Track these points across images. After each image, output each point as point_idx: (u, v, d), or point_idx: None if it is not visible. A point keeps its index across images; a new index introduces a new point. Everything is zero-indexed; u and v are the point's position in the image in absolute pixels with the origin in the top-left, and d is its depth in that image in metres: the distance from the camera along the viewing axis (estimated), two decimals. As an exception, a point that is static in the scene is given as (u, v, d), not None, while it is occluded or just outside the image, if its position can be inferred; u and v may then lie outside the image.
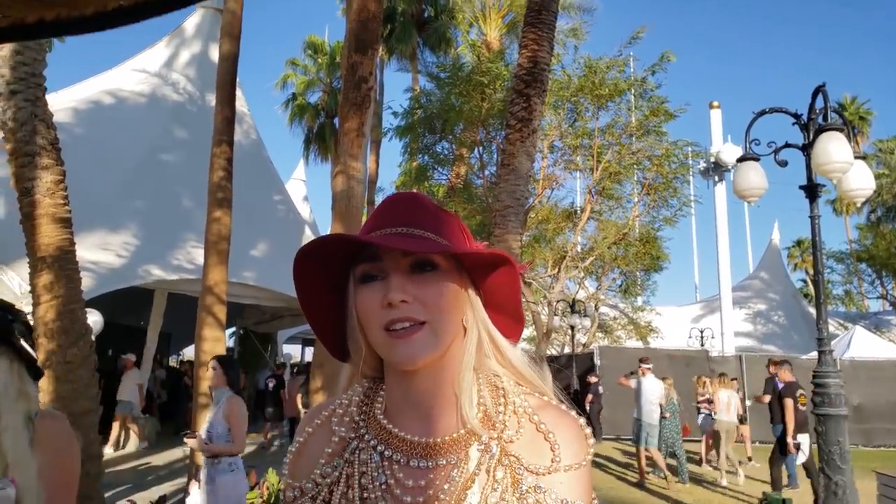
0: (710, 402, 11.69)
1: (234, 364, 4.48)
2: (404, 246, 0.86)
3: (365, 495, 0.89)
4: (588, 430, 0.91)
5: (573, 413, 0.92)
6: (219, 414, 4.26)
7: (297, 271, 0.93)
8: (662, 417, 10.33)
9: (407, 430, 0.91)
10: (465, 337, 0.92)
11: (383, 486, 0.89)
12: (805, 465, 8.88)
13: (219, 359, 4.39)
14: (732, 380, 12.48)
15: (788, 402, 8.61)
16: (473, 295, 0.93)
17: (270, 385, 13.86)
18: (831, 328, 23.28)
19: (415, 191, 1.05)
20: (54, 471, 1.44)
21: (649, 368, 10.52)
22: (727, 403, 10.79)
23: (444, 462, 0.88)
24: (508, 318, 0.97)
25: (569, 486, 0.86)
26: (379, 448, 0.92)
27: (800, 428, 8.65)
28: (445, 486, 0.86)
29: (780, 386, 9.05)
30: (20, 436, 1.39)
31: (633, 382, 10.82)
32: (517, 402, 0.92)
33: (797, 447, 8.64)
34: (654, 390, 10.29)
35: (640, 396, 10.29)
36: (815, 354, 6.00)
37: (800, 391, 8.68)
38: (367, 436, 0.94)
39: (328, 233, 0.92)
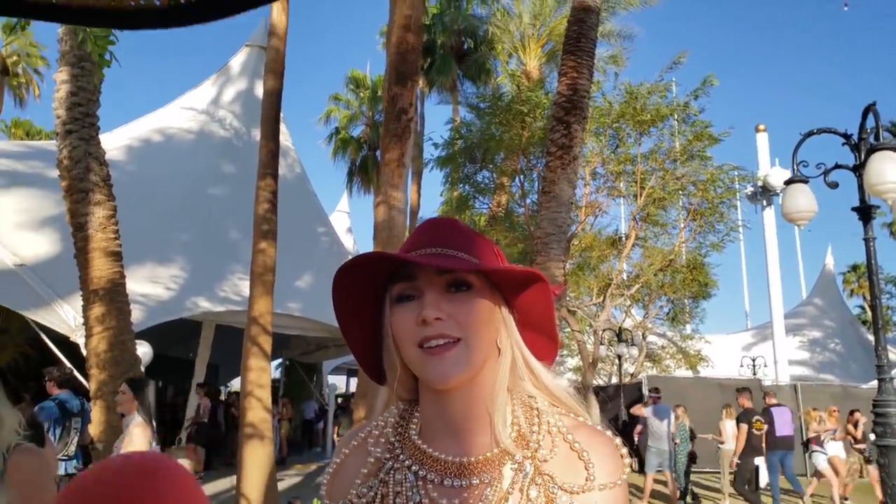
0: (820, 439, 10.64)
1: (145, 385, 4.04)
2: (439, 263, 0.88)
3: None
4: (624, 451, 0.91)
5: (608, 433, 0.93)
6: (120, 442, 3.87)
7: (337, 290, 0.95)
8: (675, 444, 10.81)
9: (441, 450, 0.92)
10: (499, 357, 0.93)
11: None
12: (739, 485, 9.74)
13: (128, 381, 3.98)
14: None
15: (742, 427, 9.75)
16: (507, 315, 0.95)
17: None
18: (892, 356, 22.49)
19: (448, 217, 1.06)
20: None
21: (658, 397, 11.31)
22: (733, 434, 10.88)
23: (478, 481, 0.89)
24: (543, 337, 0.98)
25: None
26: (413, 468, 0.92)
27: (756, 452, 9.59)
28: None
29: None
30: None
31: (646, 411, 11.36)
32: (551, 421, 0.92)
33: (756, 469, 9.59)
34: (662, 418, 10.91)
35: (650, 424, 10.88)
36: (875, 383, 5.76)
37: (755, 417, 9.70)
38: (401, 456, 0.94)
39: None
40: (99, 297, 4.54)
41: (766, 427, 10.29)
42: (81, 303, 4.68)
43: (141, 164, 13.05)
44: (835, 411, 10.84)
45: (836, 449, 10.27)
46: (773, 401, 11.13)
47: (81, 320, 4.95)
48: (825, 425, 10.67)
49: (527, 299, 0.94)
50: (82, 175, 4.45)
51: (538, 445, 0.90)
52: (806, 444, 10.88)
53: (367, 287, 0.94)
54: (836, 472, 10.15)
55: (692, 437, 11.34)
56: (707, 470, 13.51)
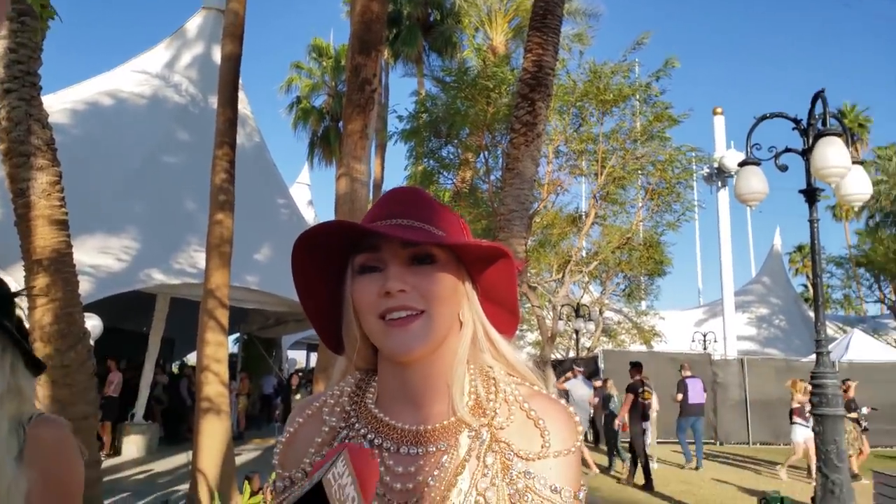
0: (804, 410, 10.48)
1: None
2: (405, 235, 0.87)
3: None
4: (577, 419, 0.92)
5: (562, 402, 0.94)
6: None
7: (297, 258, 0.94)
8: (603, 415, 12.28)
9: (398, 419, 0.92)
10: (460, 330, 0.93)
11: None
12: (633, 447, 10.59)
13: None
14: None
15: (629, 396, 10.76)
16: (471, 289, 0.94)
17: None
18: (830, 332, 23.36)
19: (415, 187, 1.02)
20: (49, 491, 1.16)
21: (581, 371, 12.63)
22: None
23: (435, 449, 0.89)
24: (505, 311, 0.98)
25: (558, 472, 0.87)
26: (369, 436, 0.92)
27: (646, 417, 10.55)
28: (436, 472, 0.87)
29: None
30: (2, 447, 1.12)
31: (569, 384, 12.57)
32: (507, 390, 0.93)
33: (644, 431, 10.39)
34: (580, 392, 12.26)
35: (570, 398, 11.67)
36: (814, 357, 6.05)
37: (643, 388, 10.70)
38: (357, 425, 0.94)
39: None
40: (43, 267, 4.34)
41: (680, 395, 12.22)
42: (23, 273, 4.47)
43: (90, 128, 12.57)
44: (802, 384, 10.72)
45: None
46: (688, 373, 12.82)
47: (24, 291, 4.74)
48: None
49: (491, 274, 0.94)
50: (23, 138, 4.23)
51: (495, 413, 0.90)
52: (790, 415, 11.05)
53: (328, 256, 0.93)
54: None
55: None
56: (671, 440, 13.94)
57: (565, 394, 12.13)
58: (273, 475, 0.97)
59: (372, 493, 0.79)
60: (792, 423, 10.95)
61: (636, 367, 11.13)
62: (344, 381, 0.99)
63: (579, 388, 12.64)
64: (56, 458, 1.21)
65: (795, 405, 10.93)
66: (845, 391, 11.22)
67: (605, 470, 11.70)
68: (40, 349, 4.29)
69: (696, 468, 12.07)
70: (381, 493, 0.87)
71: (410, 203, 0.94)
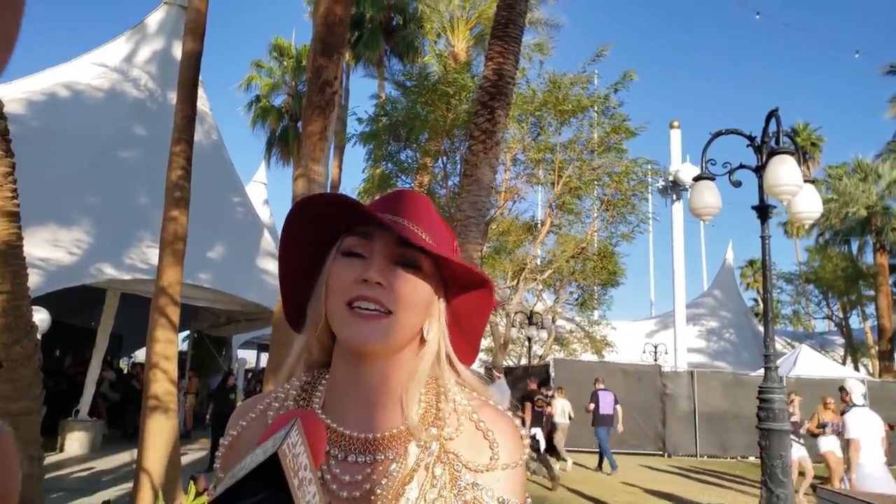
0: (798, 428, 9.94)
1: None
2: (408, 234, 0.87)
3: None
4: (524, 432, 0.93)
5: (509, 414, 0.94)
6: None
7: (289, 221, 0.93)
8: None
9: (346, 426, 0.90)
10: (422, 345, 0.93)
11: (319, 482, 0.87)
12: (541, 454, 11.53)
13: None
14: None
15: (527, 405, 11.80)
16: (442, 308, 0.94)
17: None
18: (779, 346, 24.04)
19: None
20: None
21: (500, 377, 12.53)
22: (562, 409, 13.24)
23: (383, 457, 0.88)
24: (466, 343, 0.99)
25: (505, 484, 0.88)
26: None
27: (536, 423, 11.70)
28: (383, 482, 0.86)
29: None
30: None
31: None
32: (457, 400, 0.93)
33: (533, 437, 11.22)
34: (496, 399, 13.60)
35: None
36: (762, 371, 6.16)
37: (537, 397, 11.97)
38: None
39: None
40: (-8, 259, 4.28)
41: (592, 406, 13.32)
42: (-27, 264, 4.39)
43: (45, 120, 12.29)
44: (829, 403, 10.00)
45: (830, 444, 9.48)
46: (601, 385, 13.79)
47: (-28, 283, 4.65)
48: (820, 416, 9.89)
49: (467, 301, 0.95)
50: (-23, 128, 4.17)
51: (444, 424, 0.90)
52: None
53: (320, 228, 0.92)
54: (829, 469, 9.54)
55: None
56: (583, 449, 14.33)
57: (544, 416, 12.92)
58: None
59: (321, 458, 0.79)
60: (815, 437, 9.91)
61: (531, 377, 12.99)
62: (289, 384, 0.97)
63: (495, 393, 13.25)
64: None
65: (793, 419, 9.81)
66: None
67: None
68: (-14, 341, 4.22)
69: (598, 470, 13.08)
70: (327, 502, 0.86)
71: (415, 208, 0.94)
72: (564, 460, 12.99)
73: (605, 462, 12.99)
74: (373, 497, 0.85)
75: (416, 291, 0.88)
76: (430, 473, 0.87)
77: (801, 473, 10.29)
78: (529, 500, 0.91)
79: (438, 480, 0.87)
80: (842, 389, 8.22)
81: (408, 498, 0.85)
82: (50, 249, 10.24)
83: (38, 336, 4.85)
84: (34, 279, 5.23)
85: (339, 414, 0.92)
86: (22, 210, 4.57)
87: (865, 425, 7.35)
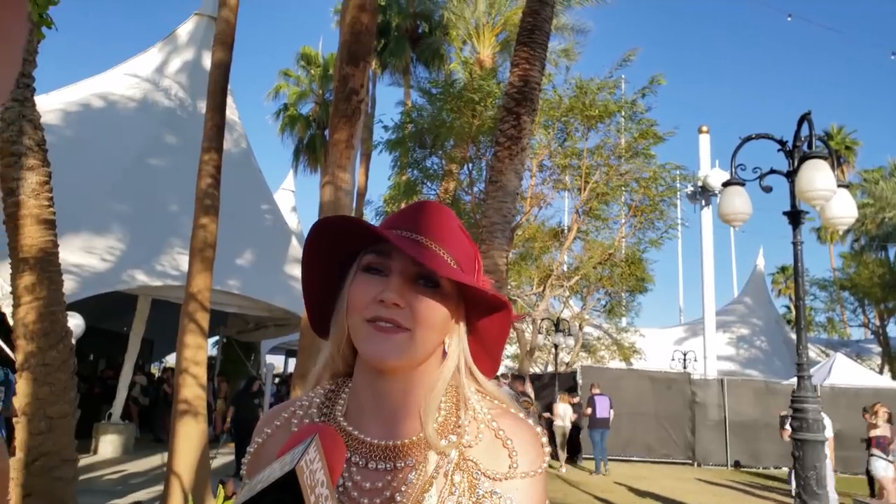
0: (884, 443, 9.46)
1: None
2: (418, 256, 0.87)
3: None
4: (545, 440, 0.93)
5: (530, 422, 0.94)
6: None
7: (309, 239, 0.95)
8: None
9: (367, 434, 0.92)
10: (443, 361, 0.93)
11: (340, 489, 0.89)
12: None
13: None
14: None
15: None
16: (462, 325, 0.95)
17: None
18: (813, 355, 23.59)
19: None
20: None
21: (506, 382, 12.92)
22: (563, 414, 14.15)
23: (403, 465, 0.89)
24: (487, 357, 0.99)
25: (524, 493, 0.88)
26: None
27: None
28: (402, 489, 0.87)
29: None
30: None
31: None
32: (477, 408, 0.93)
33: None
34: None
35: None
36: (795, 380, 6.04)
37: (524, 398, 11.29)
38: None
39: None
40: (29, 265, 4.38)
41: (589, 410, 14.10)
42: (10, 271, 4.51)
43: (79, 129, 12.57)
44: (884, 412, 9.74)
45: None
46: (597, 391, 14.49)
47: (9, 289, 4.77)
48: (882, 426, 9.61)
49: (487, 321, 0.95)
50: (15, 138, 4.28)
51: (464, 432, 0.91)
52: (867, 445, 9.97)
53: (342, 243, 0.94)
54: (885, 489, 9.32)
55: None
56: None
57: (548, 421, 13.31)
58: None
59: (339, 474, 0.82)
60: (872, 455, 9.71)
61: (517, 379, 12.98)
62: (313, 392, 1.00)
63: None
64: None
65: (873, 434, 9.70)
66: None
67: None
68: (23, 346, 4.33)
69: (596, 472, 13.63)
70: None
71: (437, 224, 0.94)
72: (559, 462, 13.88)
73: (603, 463, 13.70)
74: None
75: (433, 310, 0.89)
76: (449, 481, 0.88)
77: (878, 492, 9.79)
78: None
79: (457, 488, 0.87)
80: None
81: None
82: (84, 256, 10.45)
83: (73, 341, 4.95)
84: (69, 285, 5.35)
85: (361, 422, 0.93)
86: (57, 217, 4.68)
87: None
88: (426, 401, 0.91)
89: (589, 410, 14.16)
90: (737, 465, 16.54)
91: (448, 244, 0.93)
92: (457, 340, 0.94)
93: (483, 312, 0.94)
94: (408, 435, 0.91)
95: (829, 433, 7.63)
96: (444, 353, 0.94)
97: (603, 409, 14.19)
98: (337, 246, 0.95)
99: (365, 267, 0.91)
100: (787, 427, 7.62)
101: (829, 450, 7.45)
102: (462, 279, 0.89)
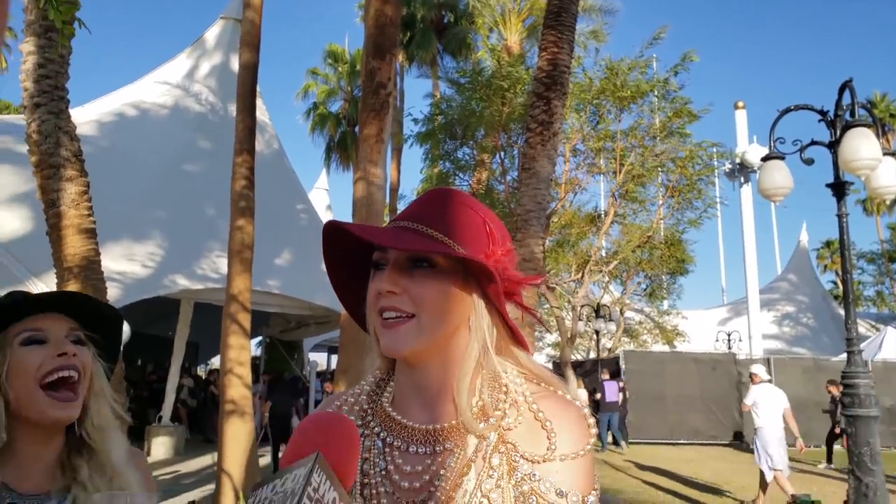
0: None
1: None
2: (386, 242, 0.88)
3: (365, 481, 0.92)
4: (591, 421, 0.91)
5: (576, 403, 0.92)
6: None
7: (323, 243, 0.98)
8: None
9: (409, 418, 0.94)
10: (469, 336, 0.92)
11: (383, 472, 0.91)
12: None
13: None
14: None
15: None
16: (478, 298, 0.92)
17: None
18: (862, 330, 22.99)
19: (453, 188, 1.03)
20: None
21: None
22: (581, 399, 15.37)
23: (442, 448, 0.90)
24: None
25: (565, 475, 0.86)
26: (382, 435, 0.95)
27: None
28: (442, 472, 0.88)
29: None
30: (125, 456, 1.25)
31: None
32: (518, 390, 0.92)
33: None
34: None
35: None
36: (845, 356, 5.88)
37: None
38: (372, 423, 0.97)
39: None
40: (73, 274, 4.46)
41: (598, 395, 14.68)
42: (55, 280, 4.60)
43: (114, 139, 12.81)
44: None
45: None
46: (606, 376, 15.18)
47: (56, 298, 4.86)
48: None
49: (490, 287, 0.92)
50: (52, 150, 4.36)
51: (503, 414, 0.90)
52: None
53: (352, 245, 0.97)
54: None
55: None
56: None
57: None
58: None
59: (353, 475, 0.79)
60: None
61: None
62: (364, 381, 1.04)
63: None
64: (148, 485, 1.33)
65: None
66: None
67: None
68: (71, 354, 4.41)
69: (602, 450, 14.38)
70: (390, 492, 0.90)
71: (431, 206, 0.95)
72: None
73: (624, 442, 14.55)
74: (432, 488, 0.88)
75: (431, 289, 0.89)
76: (488, 464, 0.88)
77: None
78: (597, 491, 0.88)
79: (496, 471, 0.87)
80: None
81: (465, 489, 0.86)
82: (125, 263, 10.65)
83: (120, 346, 5.04)
84: (112, 292, 5.44)
85: (405, 407, 0.96)
86: (97, 226, 4.76)
87: None
88: (458, 382, 0.91)
89: (598, 396, 14.79)
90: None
91: (443, 222, 0.92)
92: (474, 316, 0.92)
93: (484, 280, 0.92)
94: (447, 418, 0.92)
95: (785, 404, 8.84)
96: (471, 330, 0.93)
97: (612, 393, 14.82)
98: (351, 246, 0.97)
99: (374, 264, 0.93)
100: (745, 401, 9.24)
101: (790, 420, 8.78)
102: (434, 249, 0.88)
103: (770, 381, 10.04)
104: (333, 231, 0.95)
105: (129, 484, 1.22)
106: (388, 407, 0.97)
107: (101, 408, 1.27)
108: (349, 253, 0.99)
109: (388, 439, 0.94)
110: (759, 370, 9.50)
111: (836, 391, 11.12)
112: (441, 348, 0.92)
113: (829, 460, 12.50)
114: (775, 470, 8.40)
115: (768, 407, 8.82)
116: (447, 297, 0.90)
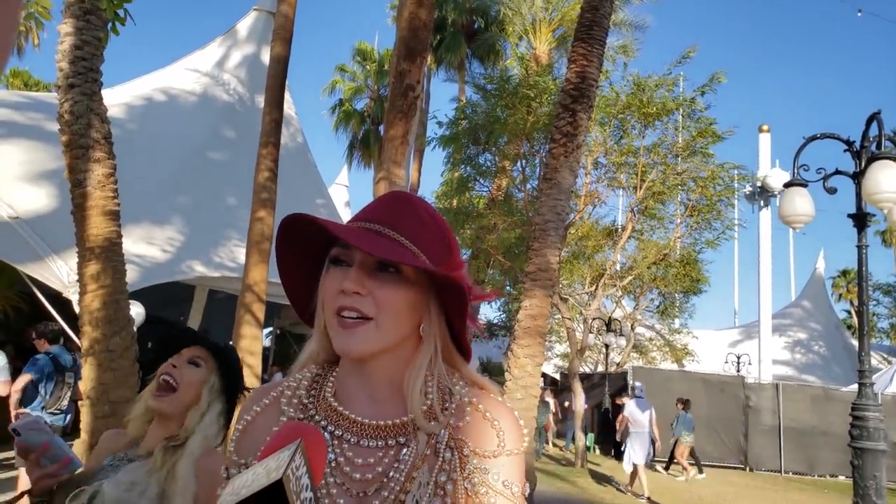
0: None
1: None
2: (359, 244, 0.88)
3: None
4: (522, 422, 0.98)
5: (509, 404, 0.99)
6: None
7: (278, 236, 0.99)
8: None
9: (357, 413, 0.96)
10: (421, 344, 0.96)
11: (332, 464, 0.93)
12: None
13: None
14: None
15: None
16: (434, 307, 0.97)
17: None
18: (875, 362, 22.75)
19: (411, 193, 1.07)
20: None
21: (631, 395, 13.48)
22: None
23: (395, 443, 0.94)
24: (455, 344, 1.01)
25: (509, 469, 0.94)
26: (329, 428, 0.96)
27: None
28: (396, 465, 0.92)
29: None
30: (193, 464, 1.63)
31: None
32: (463, 392, 0.98)
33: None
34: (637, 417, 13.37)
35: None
36: (855, 387, 5.83)
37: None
38: (316, 416, 0.98)
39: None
40: (95, 255, 4.52)
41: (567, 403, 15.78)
42: (76, 259, 4.67)
43: (142, 123, 12.94)
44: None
45: None
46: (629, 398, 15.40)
47: (75, 277, 4.94)
48: None
49: (449, 301, 0.97)
50: (83, 131, 4.42)
51: (451, 414, 0.95)
52: None
53: (312, 239, 0.98)
54: None
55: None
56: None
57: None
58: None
59: (321, 474, 0.84)
60: None
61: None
62: (300, 374, 1.03)
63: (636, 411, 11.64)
64: (214, 482, 1.65)
65: None
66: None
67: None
68: (88, 333, 4.48)
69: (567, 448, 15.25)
70: (340, 482, 0.92)
71: (397, 211, 0.96)
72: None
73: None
74: (385, 480, 0.91)
75: (394, 295, 0.91)
76: (441, 458, 0.93)
77: None
78: (528, 484, 0.96)
79: (448, 465, 0.92)
80: None
81: (420, 482, 0.90)
82: (145, 246, 10.75)
83: (135, 329, 5.10)
84: (130, 275, 5.50)
85: (349, 402, 0.97)
86: (121, 208, 4.83)
87: None
88: (409, 383, 0.94)
89: (567, 404, 16.29)
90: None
91: (409, 229, 0.94)
92: (428, 324, 0.96)
93: (449, 292, 0.96)
94: (397, 416, 0.95)
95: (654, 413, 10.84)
96: (422, 339, 0.97)
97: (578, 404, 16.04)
98: (310, 241, 0.98)
99: (333, 259, 0.94)
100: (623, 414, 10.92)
101: (655, 428, 10.85)
102: (413, 262, 0.91)
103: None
104: (294, 223, 0.95)
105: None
106: (333, 401, 0.98)
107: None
108: (306, 245, 1.00)
109: (336, 432, 0.95)
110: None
111: None
112: (391, 349, 0.95)
113: None
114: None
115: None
116: (408, 304, 0.93)
